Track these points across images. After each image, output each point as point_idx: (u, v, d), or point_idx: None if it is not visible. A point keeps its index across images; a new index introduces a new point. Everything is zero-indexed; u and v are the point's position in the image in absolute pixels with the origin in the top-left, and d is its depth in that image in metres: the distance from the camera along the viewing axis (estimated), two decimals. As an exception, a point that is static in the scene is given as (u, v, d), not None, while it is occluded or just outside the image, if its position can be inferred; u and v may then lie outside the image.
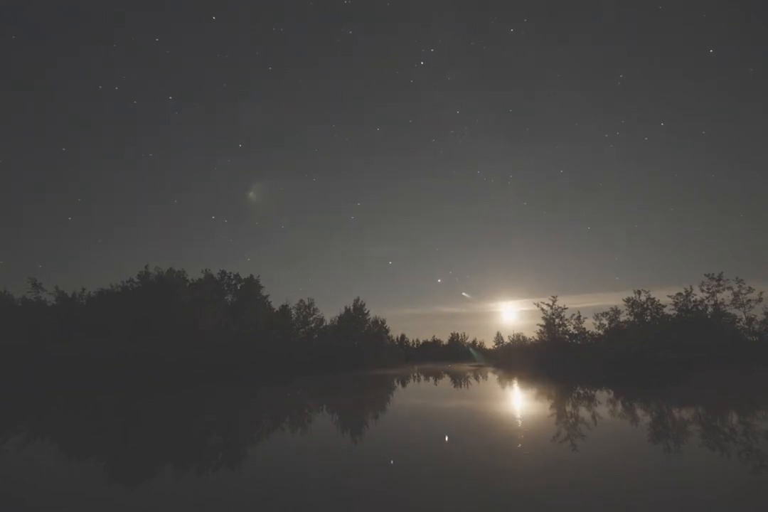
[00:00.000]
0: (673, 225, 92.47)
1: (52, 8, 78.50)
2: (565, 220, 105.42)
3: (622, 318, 41.00)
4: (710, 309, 33.82)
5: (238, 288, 43.79)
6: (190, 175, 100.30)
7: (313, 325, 48.39)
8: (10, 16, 68.45)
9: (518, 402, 14.86)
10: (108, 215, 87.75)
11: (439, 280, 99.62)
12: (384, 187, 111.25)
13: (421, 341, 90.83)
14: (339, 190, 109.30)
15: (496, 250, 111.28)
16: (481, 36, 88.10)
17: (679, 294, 35.79)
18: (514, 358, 46.44)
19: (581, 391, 18.54)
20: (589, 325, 45.05)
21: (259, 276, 44.97)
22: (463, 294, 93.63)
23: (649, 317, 38.10)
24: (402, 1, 78.76)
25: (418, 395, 18.70)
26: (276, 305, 46.76)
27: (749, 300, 32.34)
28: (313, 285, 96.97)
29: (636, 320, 38.59)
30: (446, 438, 7.95)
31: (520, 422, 9.90)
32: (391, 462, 6.22)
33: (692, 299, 34.99)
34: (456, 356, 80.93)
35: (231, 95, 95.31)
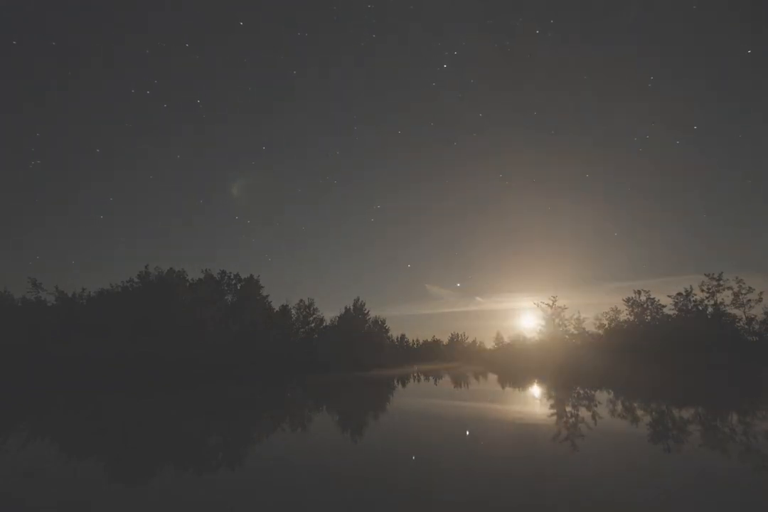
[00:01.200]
0: (706, 228, 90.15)
1: (87, 15, 79.63)
2: (593, 225, 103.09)
3: (622, 318, 41.06)
4: (710, 309, 33.82)
5: (238, 288, 43.79)
6: (217, 176, 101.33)
7: (313, 325, 48.44)
8: (50, 24, 69.42)
9: (518, 404, 14.86)
10: (131, 215, 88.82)
11: (458, 284, 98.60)
12: (404, 190, 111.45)
13: (421, 341, 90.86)
14: (359, 192, 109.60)
15: (518, 255, 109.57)
16: (505, 38, 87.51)
17: (679, 294, 35.81)
18: (514, 359, 46.48)
19: (581, 391, 18.53)
20: (590, 325, 45.02)
21: (258, 275, 44.98)
22: (477, 298, 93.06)
23: (649, 317, 38.12)
24: (425, 5, 78.73)
25: (419, 396, 18.71)
26: (276, 305, 46.82)
27: (749, 301, 32.33)
28: (334, 286, 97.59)
29: (636, 320, 38.62)
30: (438, 441, 7.95)
31: (519, 424, 9.90)
32: (388, 462, 6.23)
33: (692, 299, 35.01)
34: (456, 356, 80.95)
35: (257, 98, 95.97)
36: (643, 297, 38.81)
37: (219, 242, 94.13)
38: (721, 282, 33.40)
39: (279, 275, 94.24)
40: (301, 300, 48.51)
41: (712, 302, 33.79)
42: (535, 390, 20.03)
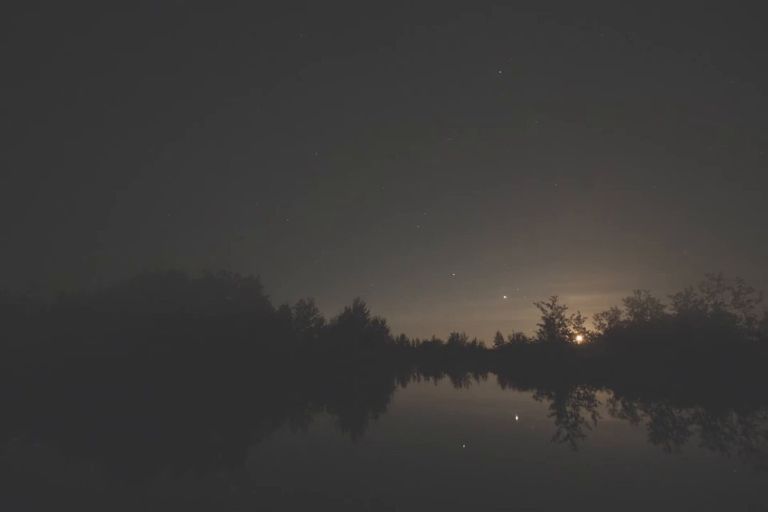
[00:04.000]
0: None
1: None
2: (654, 239, 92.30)
3: (622, 318, 41.02)
4: (710, 309, 33.75)
5: (238, 288, 43.78)
6: (266, 178, 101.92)
7: (313, 325, 48.47)
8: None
9: (518, 405, 14.87)
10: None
11: (504, 297, 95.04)
12: (453, 197, 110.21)
13: (421, 341, 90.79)
14: (406, 198, 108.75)
15: (569, 268, 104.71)
16: (564, 42, 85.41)
17: (679, 294, 35.75)
18: (514, 358, 46.49)
19: (581, 391, 18.55)
20: (590, 325, 44.98)
21: (259, 275, 44.94)
22: (504, 296, 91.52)
23: (649, 317, 38.07)
24: (481, 14, 78.07)
25: (419, 396, 18.71)
26: (276, 305, 46.82)
27: (749, 300, 32.24)
28: (374, 292, 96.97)
29: (636, 320, 38.57)
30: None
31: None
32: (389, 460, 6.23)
33: (692, 299, 34.94)
34: (456, 356, 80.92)
35: (309, 101, 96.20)
36: (643, 297, 38.80)
37: (260, 241, 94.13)
38: (721, 282, 33.35)
39: (338, 280, 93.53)
40: (301, 300, 48.55)
41: (712, 302, 33.73)
42: (535, 390, 20.03)
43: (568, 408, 12.57)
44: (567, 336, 40.42)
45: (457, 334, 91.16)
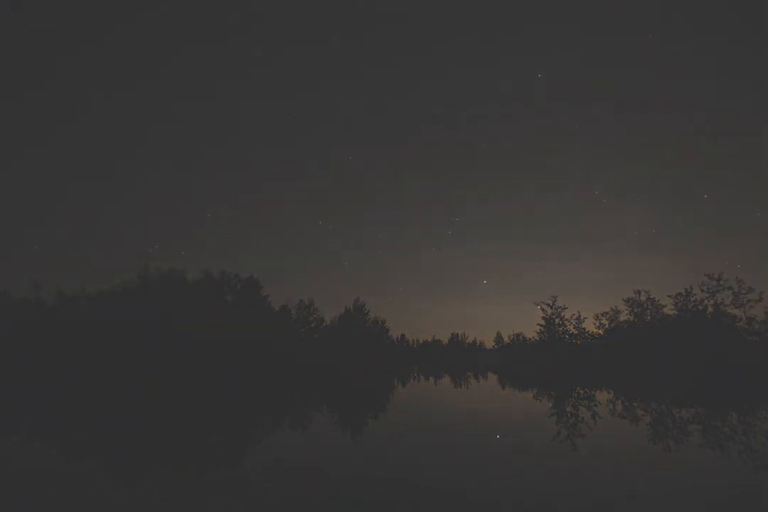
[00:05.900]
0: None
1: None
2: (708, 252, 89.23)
3: (622, 318, 41.07)
4: (710, 309, 33.79)
5: (238, 288, 43.83)
6: (305, 179, 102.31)
7: (313, 325, 48.53)
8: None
9: (519, 405, 14.87)
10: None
11: (538, 307, 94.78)
12: (485, 203, 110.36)
13: (421, 341, 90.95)
14: (439, 202, 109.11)
15: (608, 281, 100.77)
16: (605, 49, 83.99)
17: (679, 294, 35.79)
18: (515, 358, 46.47)
19: (581, 391, 18.55)
20: (590, 325, 45.01)
21: (258, 276, 45.06)
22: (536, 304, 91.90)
23: (649, 317, 38.11)
24: (520, 21, 78.08)
25: (419, 396, 18.73)
26: (276, 305, 46.88)
27: (749, 301, 32.26)
28: (405, 296, 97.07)
29: (636, 320, 38.60)
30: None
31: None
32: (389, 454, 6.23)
33: (692, 299, 34.97)
34: (457, 356, 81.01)
35: (342, 99, 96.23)
36: (643, 297, 38.84)
37: (296, 245, 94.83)
38: (721, 282, 33.38)
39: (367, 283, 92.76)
40: (301, 300, 48.62)
41: (712, 302, 33.75)
42: (535, 390, 20.03)
43: (568, 408, 12.57)
44: (567, 336, 40.45)
45: (457, 334, 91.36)
